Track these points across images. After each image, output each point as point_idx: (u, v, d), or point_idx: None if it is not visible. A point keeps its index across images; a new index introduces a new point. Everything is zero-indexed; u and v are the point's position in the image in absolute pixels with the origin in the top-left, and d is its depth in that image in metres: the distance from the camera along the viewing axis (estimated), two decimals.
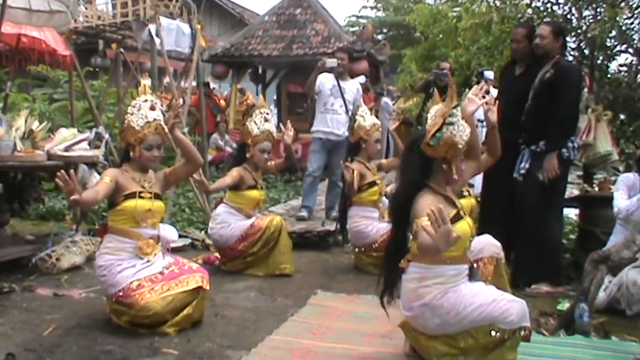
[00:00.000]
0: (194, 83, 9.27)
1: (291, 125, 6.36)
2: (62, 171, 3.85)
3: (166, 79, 8.77)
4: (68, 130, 6.48)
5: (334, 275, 6.03)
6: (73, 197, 3.84)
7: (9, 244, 6.04)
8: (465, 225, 3.69)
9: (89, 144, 6.36)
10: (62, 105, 11.52)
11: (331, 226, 7.31)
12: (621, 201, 5.33)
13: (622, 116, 7.33)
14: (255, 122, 6.03)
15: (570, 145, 5.45)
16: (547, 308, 4.88)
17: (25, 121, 6.26)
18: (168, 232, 4.81)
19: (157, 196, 4.51)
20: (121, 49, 9.00)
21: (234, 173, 6.00)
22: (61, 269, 5.79)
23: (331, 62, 7.88)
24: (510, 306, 3.55)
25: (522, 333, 3.59)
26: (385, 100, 13.98)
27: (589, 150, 6.18)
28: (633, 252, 4.68)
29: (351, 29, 24.06)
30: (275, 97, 15.85)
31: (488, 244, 4.66)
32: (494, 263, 4.63)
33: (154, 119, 4.40)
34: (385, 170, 6.90)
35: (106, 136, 6.97)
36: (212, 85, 15.74)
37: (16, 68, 7.33)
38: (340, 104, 8.00)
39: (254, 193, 6.11)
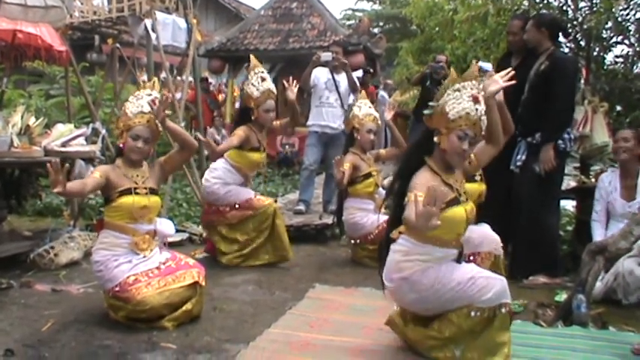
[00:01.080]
0: (190, 78, 9.26)
1: (293, 82, 6.24)
2: (57, 160, 3.87)
3: (162, 74, 8.76)
4: (65, 125, 6.47)
5: (332, 268, 6.04)
6: (56, 189, 3.87)
7: (6, 241, 6.04)
8: (461, 211, 3.66)
9: (86, 139, 6.34)
10: (58, 101, 11.52)
11: (329, 220, 7.32)
12: (597, 234, 5.44)
13: (618, 107, 7.35)
14: (253, 84, 5.97)
15: (567, 136, 5.46)
16: (544, 299, 4.90)
17: (22, 117, 6.25)
18: (165, 226, 4.80)
19: (152, 191, 4.50)
20: (117, 45, 8.99)
21: (240, 133, 5.93)
22: (59, 265, 5.79)
23: (326, 56, 7.89)
24: (488, 283, 3.57)
25: (503, 310, 3.58)
26: (382, 93, 13.99)
27: (585, 141, 6.18)
28: (630, 243, 4.68)
29: (347, 22, 24.05)
30: None
31: (487, 239, 4.65)
32: (492, 259, 4.62)
33: (149, 111, 4.40)
34: (383, 160, 6.89)
35: (103, 131, 6.96)
36: (210, 80, 15.73)
37: (11, 64, 7.30)
38: (335, 98, 8.02)
39: (255, 156, 6.06)
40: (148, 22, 7.56)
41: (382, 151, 6.68)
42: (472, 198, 4.49)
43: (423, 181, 3.50)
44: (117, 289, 4.28)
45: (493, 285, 3.57)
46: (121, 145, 4.47)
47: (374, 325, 4.23)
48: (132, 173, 4.44)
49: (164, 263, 4.44)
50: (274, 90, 6.12)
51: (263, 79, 6.03)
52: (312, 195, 8.25)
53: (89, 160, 6.17)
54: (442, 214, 3.35)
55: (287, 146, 13.48)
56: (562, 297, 4.84)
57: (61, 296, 5.01)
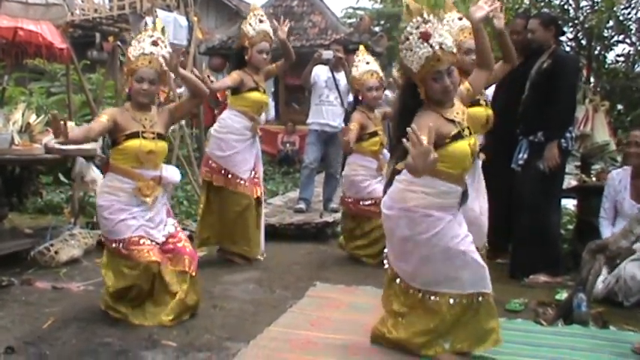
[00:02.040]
0: None
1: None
2: (56, 112, 3.93)
3: None
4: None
5: (332, 267, 6.03)
6: (59, 139, 3.95)
7: (7, 238, 6.04)
8: (465, 145, 3.58)
9: None
10: (59, 98, 11.50)
11: (329, 218, 7.32)
12: (605, 232, 5.41)
13: (619, 106, 7.34)
14: (250, 24, 5.94)
15: (568, 135, 5.45)
16: (545, 298, 4.89)
17: (23, 114, 6.26)
18: (171, 172, 4.78)
19: (159, 136, 4.47)
20: (118, 42, 8.97)
21: (233, 75, 5.92)
22: (59, 262, 5.78)
23: (327, 54, 7.89)
24: (472, 265, 3.58)
25: (481, 299, 3.61)
26: (386, 92, 13.97)
27: (587, 140, 6.18)
28: (631, 242, 4.68)
29: (349, 21, 24.02)
30: (272, 90, 15.83)
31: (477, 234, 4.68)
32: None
33: (151, 52, 4.37)
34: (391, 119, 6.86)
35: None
36: (211, 79, 15.72)
37: (12, 62, 7.30)
38: (335, 96, 8.03)
39: (255, 95, 6.00)
40: (149, 19, 7.55)
41: (389, 110, 6.54)
42: (479, 122, 4.51)
43: (424, 122, 3.38)
44: (120, 245, 4.30)
45: (476, 270, 3.59)
46: (129, 90, 4.45)
47: (374, 324, 4.23)
48: (140, 116, 4.41)
49: (167, 238, 4.46)
50: (271, 34, 6.08)
51: (261, 21, 5.99)
52: (312, 193, 8.25)
53: (90, 158, 6.17)
54: (446, 147, 3.44)
55: (288, 144, 13.50)
56: (563, 296, 4.84)
57: (62, 294, 5.01)
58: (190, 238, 6.89)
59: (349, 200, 6.21)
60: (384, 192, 3.75)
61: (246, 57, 5.96)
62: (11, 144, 5.76)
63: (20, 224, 6.96)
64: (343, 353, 3.86)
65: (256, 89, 5.99)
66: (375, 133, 6.11)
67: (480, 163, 4.73)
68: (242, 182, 5.94)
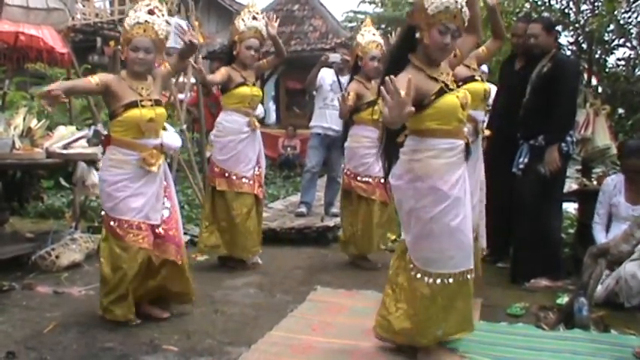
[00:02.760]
0: (192, 80, 9.25)
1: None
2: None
3: None
4: (67, 127, 6.48)
5: (333, 271, 6.03)
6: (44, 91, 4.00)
7: (8, 242, 6.05)
8: (452, 98, 3.58)
9: (88, 142, 6.35)
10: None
11: (330, 222, 7.32)
12: (599, 237, 5.45)
13: (620, 110, 7.33)
14: (242, 20, 5.96)
15: (569, 139, 5.45)
16: (546, 302, 4.88)
17: (24, 119, 6.26)
18: (171, 138, 4.75)
19: (157, 103, 4.46)
20: (119, 47, 8.98)
21: (222, 71, 5.92)
22: (60, 267, 5.79)
23: (334, 57, 7.88)
24: (460, 249, 3.63)
25: (467, 277, 3.70)
26: None
27: (587, 144, 6.17)
28: (632, 246, 4.67)
29: (349, 25, 24.01)
30: (273, 94, 15.86)
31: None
32: None
33: (146, 21, 4.35)
34: None
35: (105, 133, 6.95)
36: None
37: (14, 66, 7.32)
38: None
39: (244, 90, 5.96)
40: None
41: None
42: (479, 97, 4.57)
43: (403, 76, 3.39)
44: (117, 224, 4.30)
45: (467, 250, 3.67)
46: (125, 59, 4.44)
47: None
48: (137, 85, 4.38)
49: (162, 222, 4.47)
50: (263, 31, 6.06)
51: (254, 18, 6.00)
52: (313, 197, 8.25)
53: (91, 162, 6.17)
54: (432, 105, 3.49)
55: (289, 148, 13.51)
56: (564, 300, 4.83)
57: (63, 298, 5.02)
58: (192, 242, 6.94)
59: (348, 173, 6.15)
60: (385, 162, 3.76)
61: (234, 52, 5.97)
62: (12, 148, 5.76)
63: (21, 228, 6.97)
64: (344, 358, 3.86)
65: (244, 84, 5.98)
66: (373, 102, 5.98)
67: (480, 144, 4.76)
68: (246, 181, 5.95)
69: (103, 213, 4.50)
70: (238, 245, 6.00)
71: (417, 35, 3.58)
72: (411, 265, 3.69)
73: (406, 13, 3.79)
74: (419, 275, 3.65)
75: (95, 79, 4.27)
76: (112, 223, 4.32)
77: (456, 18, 3.52)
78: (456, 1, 3.49)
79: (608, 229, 5.48)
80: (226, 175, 5.92)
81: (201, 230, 6.13)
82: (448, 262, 3.62)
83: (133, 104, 4.31)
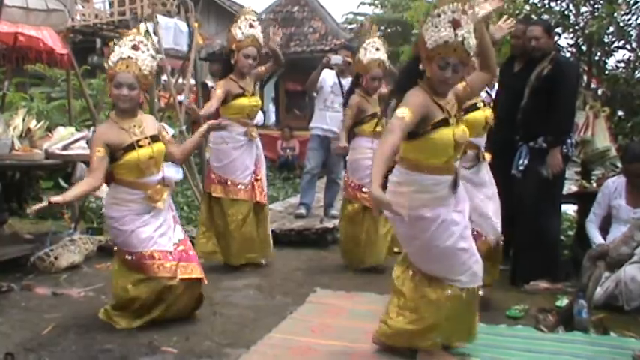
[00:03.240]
0: (192, 81, 9.26)
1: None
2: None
3: (164, 77, 8.75)
4: (66, 128, 6.49)
5: (333, 273, 6.02)
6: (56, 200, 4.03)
7: (7, 243, 6.04)
8: (449, 133, 3.53)
9: (87, 143, 6.34)
10: (60, 104, 11.50)
11: (330, 224, 7.31)
12: (594, 234, 5.48)
13: (620, 112, 7.34)
14: (239, 27, 5.93)
15: (569, 141, 5.45)
16: (545, 304, 4.88)
17: (23, 119, 6.26)
18: (171, 172, 4.75)
19: (153, 139, 4.43)
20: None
21: (217, 92, 5.87)
22: (59, 268, 5.79)
23: (336, 59, 7.86)
24: (464, 266, 3.64)
25: (475, 293, 3.72)
26: None
27: (587, 146, 6.18)
28: (631, 248, 4.68)
29: (349, 26, 24.02)
30: (273, 95, 15.84)
31: (488, 226, 4.75)
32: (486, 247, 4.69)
33: (129, 57, 4.33)
34: (387, 99, 6.83)
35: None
36: (210, 84, 15.74)
37: (13, 67, 7.32)
38: (340, 102, 7.98)
39: (242, 101, 5.96)
40: (149, 25, 7.56)
41: (384, 90, 6.33)
42: (480, 126, 4.55)
43: (414, 98, 3.43)
44: (132, 257, 4.30)
45: (474, 266, 3.67)
46: (110, 96, 4.43)
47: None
48: (128, 125, 4.35)
49: (178, 245, 4.46)
50: (260, 39, 6.06)
51: (251, 26, 5.98)
52: (313, 199, 8.24)
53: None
54: (427, 135, 3.46)
55: (288, 150, 13.50)
56: (563, 302, 4.83)
57: (62, 300, 5.01)
58: (192, 243, 6.94)
59: (353, 185, 6.13)
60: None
61: (232, 60, 5.97)
62: (11, 149, 5.77)
63: (20, 229, 6.96)
64: None
65: (242, 95, 5.98)
66: (374, 115, 6.02)
67: (483, 169, 4.76)
68: (242, 188, 5.95)
69: (115, 248, 4.50)
70: (232, 252, 6.01)
71: (421, 66, 3.56)
72: (417, 276, 3.71)
73: (413, 45, 3.75)
74: (426, 281, 3.67)
75: (99, 150, 4.23)
76: (127, 256, 4.33)
77: (456, 51, 3.44)
78: (456, 35, 3.41)
79: (607, 231, 5.48)
80: (222, 181, 5.94)
81: (198, 236, 6.13)
82: (456, 282, 3.64)
83: (131, 147, 4.29)
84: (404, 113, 3.34)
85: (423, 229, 3.56)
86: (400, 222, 3.56)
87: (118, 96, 4.32)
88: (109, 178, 4.42)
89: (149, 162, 4.35)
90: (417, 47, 3.64)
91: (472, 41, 3.48)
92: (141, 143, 4.33)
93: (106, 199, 4.48)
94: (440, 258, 3.61)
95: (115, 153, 4.29)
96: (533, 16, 6.98)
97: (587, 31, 6.81)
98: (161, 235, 4.38)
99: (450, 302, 3.63)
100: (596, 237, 5.43)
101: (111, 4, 8.18)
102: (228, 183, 5.93)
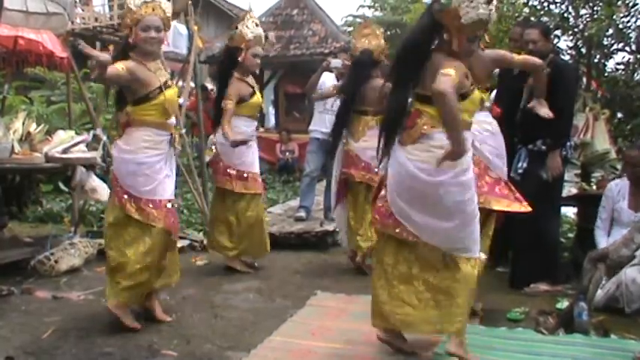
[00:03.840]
0: (192, 84, 9.26)
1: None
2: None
3: None
4: (66, 132, 6.49)
5: (333, 276, 6.02)
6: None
7: (7, 247, 6.04)
8: (479, 93, 3.71)
9: (87, 146, 6.35)
10: (60, 107, 11.51)
11: (330, 227, 7.30)
12: (601, 241, 5.45)
13: (620, 115, 7.34)
14: (247, 26, 5.96)
15: (568, 143, 5.46)
16: (546, 307, 4.87)
17: (23, 123, 6.27)
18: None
19: (166, 84, 4.47)
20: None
21: (231, 103, 5.82)
22: (59, 272, 5.79)
23: (336, 62, 7.86)
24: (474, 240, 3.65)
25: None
26: None
27: (587, 149, 6.18)
28: (632, 250, 4.68)
29: (349, 29, 24.03)
30: (272, 98, 15.85)
31: (492, 197, 4.70)
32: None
33: (153, 0, 4.34)
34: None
35: (104, 138, 6.96)
36: (210, 87, 15.75)
37: (13, 70, 7.32)
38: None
39: (256, 99, 6.09)
40: None
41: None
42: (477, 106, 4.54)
43: (451, 62, 3.43)
44: (150, 205, 4.33)
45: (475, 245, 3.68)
46: (131, 41, 4.35)
47: (375, 333, 4.22)
48: (153, 67, 4.38)
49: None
50: (263, 39, 6.16)
51: (257, 25, 6.07)
52: (312, 202, 8.24)
53: (90, 166, 6.18)
54: (470, 96, 3.58)
55: (287, 153, 13.50)
56: (563, 304, 4.83)
57: (62, 303, 5.01)
58: (191, 247, 6.94)
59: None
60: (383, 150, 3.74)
61: (239, 59, 5.97)
62: (11, 153, 5.76)
63: (20, 233, 6.96)
64: None
65: (254, 93, 6.07)
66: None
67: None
68: (258, 181, 6.12)
69: (125, 197, 4.32)
70: (261, 244, 6.12)
71: (445, 36, 3.54)
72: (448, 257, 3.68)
73: (433, 7, 3.58)
74: (467, 260, 3.66)
75: (121, 65, 4.21)
76: (150, 205, 4.33)
77: (486, 27, 3.56)
78: (490, 12, 3.45)
79: (609, 234, 5.48)
80: (244, 176, 6.00)
81: (212, 232, 6.17)
82: (475, 246, 3.68)
83: (160, 89, 4.35)
84: (452, 74, 3.33)
85: (474, 193, 3.62)
86: (458, 187, 3.55)
87: (146, 39, 4.32)
88: (127, 124, 4.39)
89: (175, 105, 4.45)
90: (442, 15, 3.50)
91: (495, 14, 3.55)
92: (167, 85, 4.40)
93: (130, 145, 4.34)
94: (474, 222, 3.64)
95: (143, 91, 4.30)
96: (532, 19, 6.99)
97: (586, 34, 6.81)
98: (170, 184, 4.51)
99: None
100: (603, 245, 5.33)
101: (110, 8, 8.20)
102: (249, 177, 6.02)
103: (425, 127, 3.58)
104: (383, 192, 3.77)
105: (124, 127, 4.44)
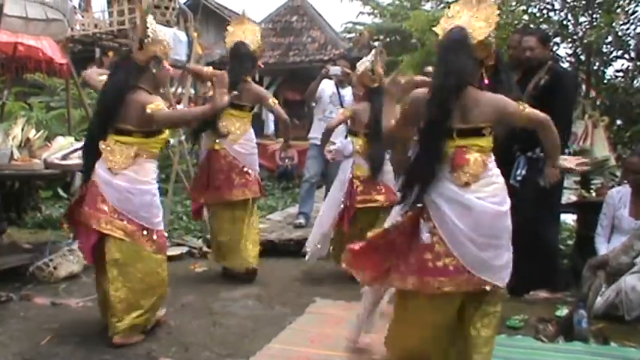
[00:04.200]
0: (192, 91, 9.26)
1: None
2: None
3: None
4: (65, 138, 6.48)
5: (332, 283, 6.00)
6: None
7: (6, 253, 6.03)
8: None
9: None
10: (59, 113, 11.50)
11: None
12: (601, 248, 5.44)
13: (619, 122, 7.35)
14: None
15: (566, 151, 5.46)
16: (545, 314, 4.87)
17: (22, 129, 6.26)
18: None
19: None
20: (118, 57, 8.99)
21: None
22: (58, 278, 5.77)
23: (335, 70, 7.88)
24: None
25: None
26: None
27: (586, 156, 6.17)
28: (631, 258, 4.68)
29: (348, 36, 24.04)
30: None
31: None
32: None
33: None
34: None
35: None
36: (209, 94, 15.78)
37: (12, 76, 7.32)
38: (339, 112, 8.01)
39: None
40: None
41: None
42: None
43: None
44: (156, 236, 4.33)
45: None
46: (155, 72, 4.31)
47: (375, 340, 4.21)
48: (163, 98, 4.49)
49: None
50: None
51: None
52: (312, 208, 8.23)
53: None
54: None
55: (286, 160, 13.47)
56: (563, 312, 4.83)
57: (61, 310, 5.00)
58: (190, 254, 6.93)
59: None
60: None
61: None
62: (10, 159, 5.76)
63: (19, 239, 6.94)
64: None
65: None
66: None
67: None
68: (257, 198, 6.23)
69: (136, 229, 4.24)
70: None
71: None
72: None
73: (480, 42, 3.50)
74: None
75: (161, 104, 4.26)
76: (160, 236, 4.36)
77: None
78: None
79: (609, 241, 5.48)
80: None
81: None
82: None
83: None
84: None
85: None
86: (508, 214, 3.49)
87: (167, 74, 4.46)
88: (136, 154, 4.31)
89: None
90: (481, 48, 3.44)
91: None
92: None
93: (143, 176, 4.28)
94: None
95: (154, 126, 4.30)
96: (531, 26, 7.00)
97: (585, 41, 6.83)
98: None
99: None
100: (603, 252, 5.31)
101: (110, 14, 8.21)
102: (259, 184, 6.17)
103: (483, 162, 3.50)
104: (438, 249, 3.34)
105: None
